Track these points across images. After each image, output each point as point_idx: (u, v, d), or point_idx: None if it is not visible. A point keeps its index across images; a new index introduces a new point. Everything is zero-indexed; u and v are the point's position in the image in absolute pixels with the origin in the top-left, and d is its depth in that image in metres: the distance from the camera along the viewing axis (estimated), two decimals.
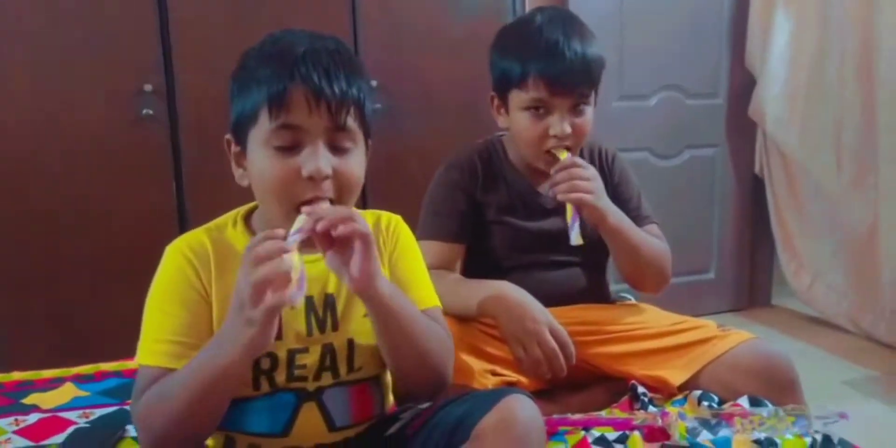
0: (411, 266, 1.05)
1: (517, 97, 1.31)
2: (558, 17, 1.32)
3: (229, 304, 0.88)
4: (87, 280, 2.13)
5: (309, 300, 0.96)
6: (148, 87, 2.11)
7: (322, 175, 0.87)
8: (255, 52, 0.92)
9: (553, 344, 1.18)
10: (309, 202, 0.88)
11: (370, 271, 0.85)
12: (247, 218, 1.00)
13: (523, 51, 1.29)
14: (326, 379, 0.96)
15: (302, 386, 0.95)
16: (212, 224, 1.00)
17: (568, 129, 1.28)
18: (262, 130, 0.89)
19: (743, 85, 2.85)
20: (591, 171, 1.27)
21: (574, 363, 1.20)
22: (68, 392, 1.36)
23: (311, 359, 0.95)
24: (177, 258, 0.94)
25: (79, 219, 2.11)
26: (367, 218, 1.02)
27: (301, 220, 0.85)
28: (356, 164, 0.93)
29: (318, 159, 0.87)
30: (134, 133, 2.12)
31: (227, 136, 0.96)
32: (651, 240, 1.38)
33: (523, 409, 0.87)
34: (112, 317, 2.13)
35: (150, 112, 2.12)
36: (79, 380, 1.41)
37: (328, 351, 0.96)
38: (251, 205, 1.01)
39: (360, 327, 0.98)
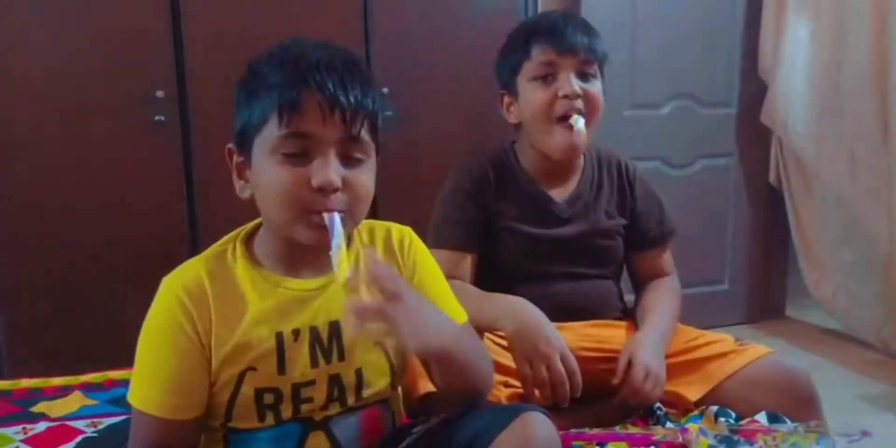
0: (435, 286, 1.02)
1: (525, 71, 1.33)
2: (561, 11, 1.42)
3: (233, 341, 0.88)
4: (98, 286, 2.12)
5: (313, 330, 0.92)
6: (160, 94, 2.11)
7: (333, 186, 0.84)
8: (264, 60, 0.88)
9: (562, 369, 1.16)
10: (318, 212, 0.85)
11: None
12: (247, 241, 0.95)
13: (528, 31, 1.34)
14: (334, 408, 0.94)
15: (308, 416, 0.92)
16: (210, 252, 0.94)
17: (577, 89, 1.28)
18: (270, 138, 0.85)
19: (756, 94, 2.83)
20: (651, 379, 1.21)
21: (578, 395, 1.18)
22: (76, 400, 1.35)
23: (317, 391, 0.92)
24: (170, 300, 0.89)
25: (90, 224, 2.11)
26: (378, 233, 1.00)
27: (337, 223, 0.85)
28: (368, 176, 0.90)
29: (328, 170, 0.84)
30: (146, 139, 2.12)
31: (230, 145, 0.92)
32: (674, 309, 1.37)
33: (540, 428, 0.86)
34: (122, 323, 2.12)
35: (162, 118, 2.12)
36: (87, 388, 1.40)
37: (336, 383, 0.93)
38: (252, 225, 0.96)
39: (369, 357, 0.95)
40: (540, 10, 2.48)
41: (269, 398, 0.90)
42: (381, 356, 0.96)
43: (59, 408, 1.33)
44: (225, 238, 0.96)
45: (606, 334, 1.34)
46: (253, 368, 0.89)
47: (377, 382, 0.96)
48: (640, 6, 2.67)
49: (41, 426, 1.26)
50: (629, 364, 1.22)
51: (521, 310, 1.22)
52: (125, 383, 1.41)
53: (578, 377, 1.17)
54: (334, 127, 0.85)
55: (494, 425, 0.87)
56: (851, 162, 2.57)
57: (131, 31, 2.09)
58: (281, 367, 0.90)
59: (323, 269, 0.92)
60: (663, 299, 1.38)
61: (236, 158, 0.91)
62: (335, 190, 0.85)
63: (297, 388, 0.91)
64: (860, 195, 2.56)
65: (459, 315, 1.02)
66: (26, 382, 1.43)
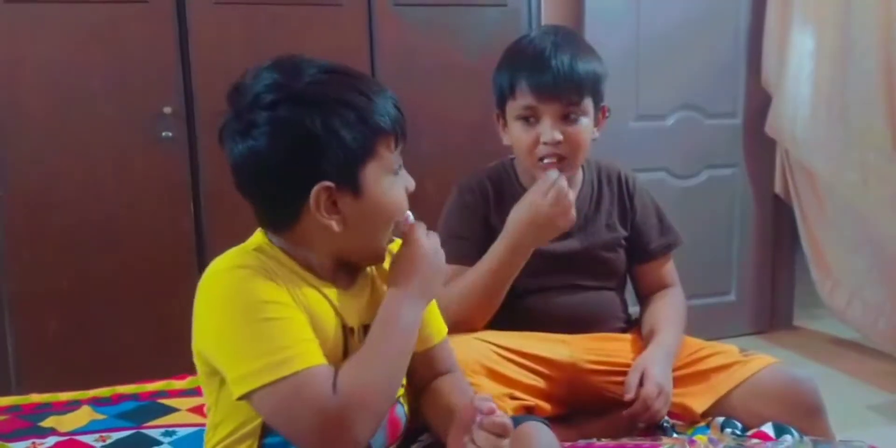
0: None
1: (511, 108, 1.33)
2: (553, 30, 1.36)
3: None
4: (105, 301, 2.13)
5: (353, 332, 0.96)
6: (167, 110, 2.13)
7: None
8: (344, 93, 0.89)
9: (557, 206, 1.23)
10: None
11: None
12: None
13: (514, 62, 1.32)
14: None
15: None
16: (248, 250, 0.94)
17: (558, 137, 1.27)
18: (383, 159, 0.91)
19: (761, 104, 2.83)
20: (663, 397, 1.22)
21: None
22: (85, 415, 1.35)
23: None
24: (248, 273, 0.88)
25: (98, 240, 2.12)
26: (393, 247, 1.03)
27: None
28: None
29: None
30: (153, 155, 2.14)
31: (327, 184, 0.88)
32: (679, 323, 1.37)
33: (540, 438, 0.88)
34: (129, 338, 2.14)
35: (170, 134, 2.14)
36: (96, 403, 1.40)
37: None
38: (259, 239, 0.96)
39: None
40: (543, 22, 2.50)
41: None
42: None
43: (68, 422, 1.33)
44: (245, 246, 0.96)
45: (612, 348, 1.34)
46: None
47: None
48: (643, 18, 2.68)
49: (51, 441, 1.26)
50: (641, 380, 1.22)
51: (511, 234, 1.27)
52: (133, 398, 1.43)
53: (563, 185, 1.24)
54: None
55: None
56: (862, 170, 2.55)
57: (139, 48, 2.12)
58: (345, 359, 0.91)
59: (348, 279, 0.98)
60: (669, 313, 1.38)
61: (331, 195, 0.89)
62: None
63: None
64: (872, 203, 2.55)
65: (443, 329, 1.08)
66: (35, 397, 1.43)
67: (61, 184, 2.09)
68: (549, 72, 1.26)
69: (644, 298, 1.46)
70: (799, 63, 2.68)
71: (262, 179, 0.90)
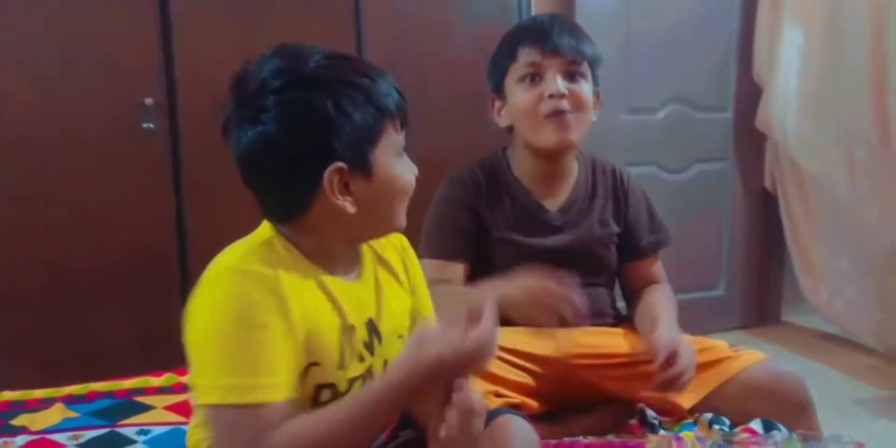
0: (425, 292, 1.07)
1: (513, 71, 1.33)
2: (550, 13, 1.42)
3: (305, 331, 0.86)
4: (83, 295, 2.09)
5: (369, 324, 0.95)
6: (149, 101, 2.09)
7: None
8: (350, 74, 0.89)
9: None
10: None
11: None
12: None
13: (514, 35, 1.35)
14: None
15: None
16: (252, 245, 0.90)
17: (563, 89, 1.28)
18: (391, 141, 0.92)
19: (752, 98, 2.83)
20: (688, 365, 1.17)
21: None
22: (58, 413, 1.32)
23: (358, 384, 0.93)
24: (259, 285, 0.85)
25: (77, 232, 2.08)
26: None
27: None
28: None
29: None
30: (135, 146, 2.10)
31: (340, 165, 0.86)
32: (675, 312, 1.35)
33: (516, 430, 0.89)
34: (107, 333, 2.11)
35: (151, 126, 2.10)
36: (70, 400, 1.37)
37: (370, 375, 0.94)
38: (267, 232, 0.93)
39: (395, 349, 0.96)
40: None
41: (326, 395, 0.90)
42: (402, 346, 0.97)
43: (40, 420, 1.30)
44: (255, 238, 0.93)
45: (602, 342, 1.32)
46: (316, 363, 0.88)
47: None
48: (634, 11, 2.68)
49: (21, 440, 1.23)
50: (672, 349, 1.17)
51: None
52: (109, 395, 1.40)
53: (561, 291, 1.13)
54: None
55: None
56: (849, 166, 2.56)
57: (120, 39, 2.08)
58: (342, 362, 0.90)
59: (352, 269, 0.96)
60: (667, 304, 1.37)
61: (343, 177, 0.88)
62: None
63: (351, 383, 0.92)
64: (858, 199, 2.55)
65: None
66: (8, 394, 1.40)
67: (39, 175, 2.05)
68: (553, 34, 1.30)
69: (631, 296, 1.44)
70: (789, 57, 2.69)
71: (273, 165, 0.87)
